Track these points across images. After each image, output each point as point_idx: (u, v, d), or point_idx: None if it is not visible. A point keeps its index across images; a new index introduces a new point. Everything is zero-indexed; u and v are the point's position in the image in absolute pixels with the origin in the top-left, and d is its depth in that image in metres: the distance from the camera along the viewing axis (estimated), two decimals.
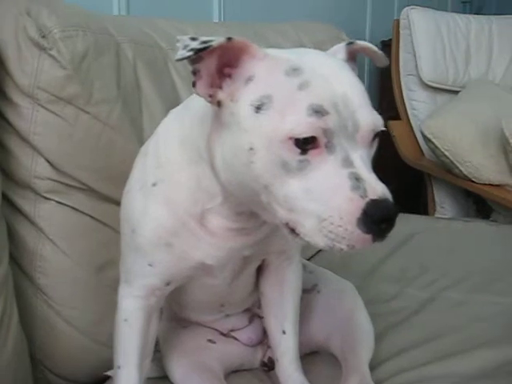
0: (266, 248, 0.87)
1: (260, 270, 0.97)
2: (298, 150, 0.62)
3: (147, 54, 1.18)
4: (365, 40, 0.78)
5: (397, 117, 2.41)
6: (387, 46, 2.47)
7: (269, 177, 0.64)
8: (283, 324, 0.97)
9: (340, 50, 0.76)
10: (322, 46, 0.82)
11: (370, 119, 0.64)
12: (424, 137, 2.12)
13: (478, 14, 2.89)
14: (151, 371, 1.02)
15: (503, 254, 1.51)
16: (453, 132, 2.02)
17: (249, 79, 0.66)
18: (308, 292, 1.08)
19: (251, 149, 0.64)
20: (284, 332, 0.97)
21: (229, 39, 0.64)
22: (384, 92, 2.63)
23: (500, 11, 3.11)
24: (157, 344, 1.04)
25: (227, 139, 0.68)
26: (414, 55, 2.37)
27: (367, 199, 0.60)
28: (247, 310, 1.06)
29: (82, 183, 1.03)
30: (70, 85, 0.97)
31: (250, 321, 1.06)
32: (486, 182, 1.98)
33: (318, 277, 1.12)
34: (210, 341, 1.04)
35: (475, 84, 2.35)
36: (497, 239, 1.65)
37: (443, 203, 2.30)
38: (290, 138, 0.61)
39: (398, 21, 2.42)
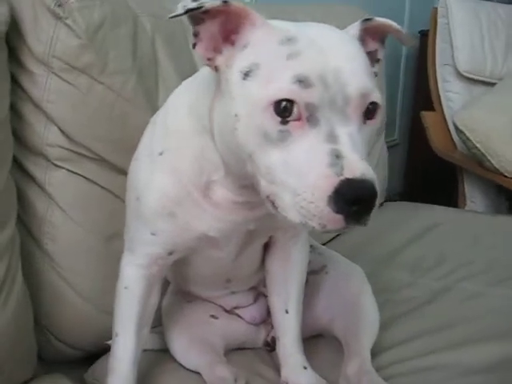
0: (271, 223, 0.85)
1: (267, 248, 0.96)
2: (279, 119, 0.60)
3: (167, 29, 1.17)
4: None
5: (432, 108, 2.35)
6: (425, 36, 2.41)
7: (251, 145, 0.63)
8: (286, 303, 0.96)
9: (354, 26, 0.73)
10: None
11: (359, 88, 0.62)
12: (456, 128, 2.06)
13: None
14: (152, 343, 1.03)
15: None
16: (485, 124, 1.95)
17: (244, 46, 0.65)
18: (316, 273, 1.07)
19: (236, 115, 0.63)
20: (287, 311, 0.96)
21: (225, 2, 0.63)
22: (420, 83, 2.58)
23: None
24: (160, 318, 1.05)
25: (220, 106, 0.67)
26: (451, 45, 2.30)
27: (342, 177, 0.58)
28: (253, 288, 1.06)
29: (95, 153, 1.03)
30: (85, 54, 0.97)
31: (255, 299, 1.06)
32: None
33: (328, 258, 1.11)
34: (212, 316, 1.04)
35: None
36: None
37: (474, 198, 2.23)
38: (271, 104, 0.60)
39: (436, 9, 2.35)
